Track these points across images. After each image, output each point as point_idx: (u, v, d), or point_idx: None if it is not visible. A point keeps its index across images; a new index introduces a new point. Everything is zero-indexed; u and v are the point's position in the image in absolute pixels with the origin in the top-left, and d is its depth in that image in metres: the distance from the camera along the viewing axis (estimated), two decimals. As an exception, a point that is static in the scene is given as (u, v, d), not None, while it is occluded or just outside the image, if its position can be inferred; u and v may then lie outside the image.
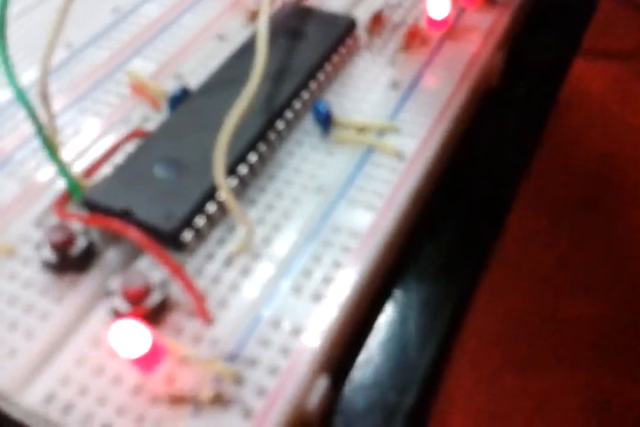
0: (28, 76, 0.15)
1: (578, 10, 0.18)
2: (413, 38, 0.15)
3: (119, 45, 0.16)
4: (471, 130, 0.15)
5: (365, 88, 0.15)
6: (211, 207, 0.12)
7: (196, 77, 0.15)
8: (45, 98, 0.12)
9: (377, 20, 0.16)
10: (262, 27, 0.13)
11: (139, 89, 0.15)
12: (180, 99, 0.14)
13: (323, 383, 0.10)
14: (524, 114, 0.15)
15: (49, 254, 0.11)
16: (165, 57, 0.16)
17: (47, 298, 0.11)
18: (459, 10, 0.16)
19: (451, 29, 0.16)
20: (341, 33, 0.15)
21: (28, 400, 0.10)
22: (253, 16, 0.17)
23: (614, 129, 0.18)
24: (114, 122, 0.14)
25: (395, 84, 0.15)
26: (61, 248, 0.11)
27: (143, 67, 0.15)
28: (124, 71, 0.15)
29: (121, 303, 0.10)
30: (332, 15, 0.16)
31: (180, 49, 0.16)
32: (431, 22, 0.15)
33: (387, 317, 0.12)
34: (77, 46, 0.16)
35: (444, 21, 0.15)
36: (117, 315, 0.10)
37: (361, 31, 0.16)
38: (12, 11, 0.16)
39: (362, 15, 0.16)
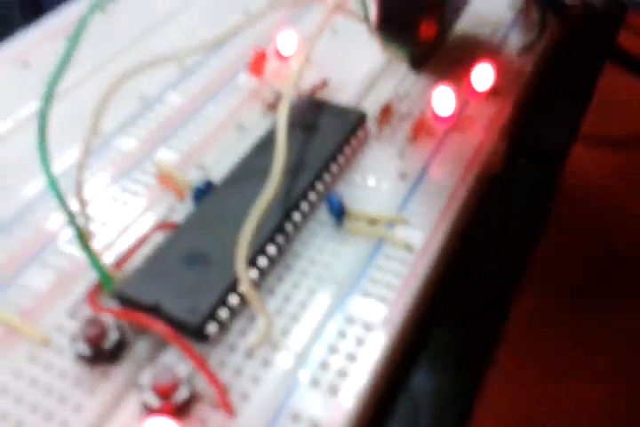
0: (60, 163, 0.16)
1: (578, 94, 0.19)
2: (420, 130, 0.17)
3: (146, 134, 0.17)
4: (476, 217, 0.16)
5: (376, 179, 0.16)
6: (233, 299, 0.13)
7: (218, 168, 0.16)
8: (80, 194, 0.13)
9: (385, 112, 0.17)
10: (281, 126, 0.14)
11: (165, 179, 0.16)
12: (205, 191, 0.15)
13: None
14: (529, 201, 0.16)
15: (83, 348, 0.12)
16: (188, 147, 0.17)
17: (80, 389, 0.12)
18: (462, 102, 0.17)
19: (455, 121, 0.17)
20: (353, 126, 0.16)
21: None
22: (271, 107, 0.18)
23: (617, 218, 0.19)
24: (141, 211, 0.15)
25: (403, 175, 0.16)
26: (95, 342, 0.12)
27: (168, 156, 0.17)
28: (151, 160, 0.16)
29: (151, 398, 0.11)
30: (345, 109, 0.17)
31: (202, 139, 0.17)
32: (437, 117, 0.16)
33: (400, 406, 0.12)
34: (106, 133, 0.17)
35: (449, 117, 0.16)
36: (148, 409, 0.11)
37: (370, 121, 0.17)
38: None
39: (371, 106, 0.17)
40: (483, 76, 0.17)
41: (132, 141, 0.17)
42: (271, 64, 0.19)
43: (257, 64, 0.18)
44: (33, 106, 0.18)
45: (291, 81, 0.15)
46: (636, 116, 0.21)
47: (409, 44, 0.17)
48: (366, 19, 0.18)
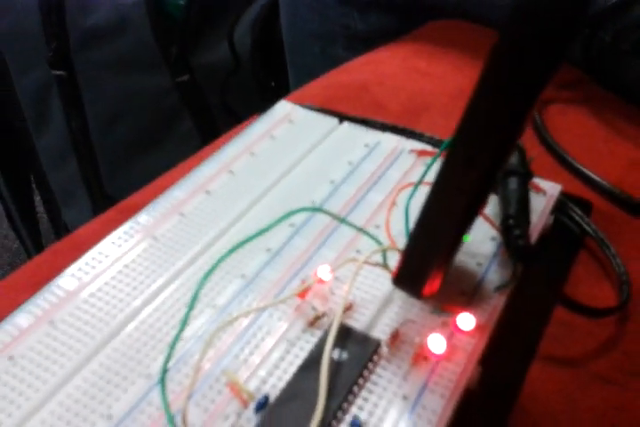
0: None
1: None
2: (418, 358, 0.23)
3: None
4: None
5: (386, 402, 0.22)
6: None
7: (272, 379, 0.22)
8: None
9: (394, 338, 0.23)
10: (326, 357, 0.20)
11: (234, 388, 0.22)
12: (263, 404, 0.21)
13: None
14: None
15: None
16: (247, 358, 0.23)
17: None
18: (451, 336, 0.23)
19: (446, 353, 0.23)
20: (371, 352, 0.23)
21: None
22: (310, 324, 0.24)
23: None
24: (214, 419, 0.21)
25: (405, 397, 0.22)
26: None
27: (234, 367, 0.23)
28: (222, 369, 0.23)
29: None
30: (365, 336, 0.23)
31: (260, 351, 0.23)
32: (430, 352, 0.23)
33: None
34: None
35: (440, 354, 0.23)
36: None
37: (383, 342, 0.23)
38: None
39: (384, 329, 0.24)
40: (465, 320, 0.23)
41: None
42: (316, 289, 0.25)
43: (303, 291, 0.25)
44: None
45: (336, 321, 0.21)
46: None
47: (415, 296, 0.24)
48: (386, 268, 0.24)
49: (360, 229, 0.27)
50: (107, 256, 0.26)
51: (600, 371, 0.24)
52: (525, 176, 0.28)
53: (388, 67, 0.43)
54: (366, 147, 0.33)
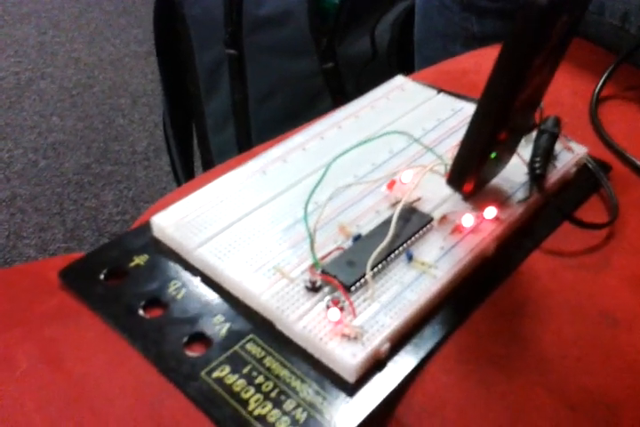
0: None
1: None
2: (454, 230, 0.37)
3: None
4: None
5: (425, 250, 0.36)
6: (363, 278, 0.34)
7: (366, 226, 0.37)
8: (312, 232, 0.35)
9: (443, 218, 0.38)
10: (396, 215, 0.35)
11: (342, 228, 0.37)
12: (357, 237, 0.36)
13: None
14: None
15: (306, 284, 0.33)
16: (351, 215, 0.38)
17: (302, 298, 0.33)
18: (479, 220, 0.38)
19: (472, 228, 0.37)
20: (426, 222, 0.37)
21: (294, 327, 0.32)
22: (392, 204, 0.39)
23: None
24: (329, 241, 0.37)
25: (442, 248, 0.36)
26: (312, 283, 0.33)
27: (348, 217, 0.38)
28: (337, 222, 0.38)
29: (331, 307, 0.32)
30: (424, 214, 0.38)
31: (360, 210, 0.39)
32: (463, 227, 0.37)
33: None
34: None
35: (469, 227, 0.37)
36: (328, 308, 0.32)
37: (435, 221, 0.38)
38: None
39: (438, 212, 0.38)
40: (490, 211, 0.37)
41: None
42: (398, 185, 0.40)
43: (390, 184, 0.40)
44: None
45: (404, 198, 0.36)
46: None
47: (458, 191, 0.38)
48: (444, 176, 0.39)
49: (429, 149, 0.42)
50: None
51: (579, 262, 0.37)
52: (554, 135, 0.41)
53: (488, 59, 0.57)
54: (452, 110, 0.47)
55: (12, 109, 1.62)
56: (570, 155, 0.43)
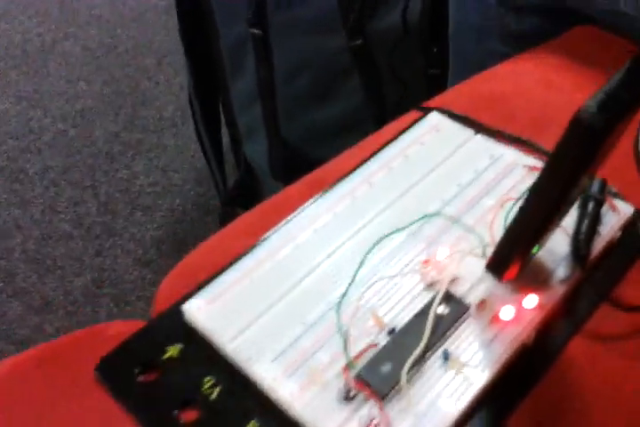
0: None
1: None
2: (493, 320, 0.36)
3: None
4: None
5: (464, 339, 0.35)
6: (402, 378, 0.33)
7: (401, 316, 0.36)
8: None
9: (481, 304, 0.36)
10: (433, 310, 0.34)
11: (376, 319, 0.36)
12: (392, 331, 0.35)
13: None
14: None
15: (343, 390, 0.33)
16: (381, 302, 0.37)
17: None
18: (520, 307, 0.36)
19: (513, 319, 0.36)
20: (463, 312, 0.36)
21: None
22: (429, 285, 0.38)
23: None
24: (363, 334, 0.36)
25: (481, 343, 0.35)
26: (346, 393, 0.33)
27: (378, 306, 0.37)
28: (371, 311, 0.37)
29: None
30: (461, 300, 0.36)
31: (393, 299, 0.37)
32: (501, 319, 0.36)
33: None
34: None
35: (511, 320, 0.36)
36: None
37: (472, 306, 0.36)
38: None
39: (474, 299, 0.37)
40: (531, 299, 0.36)
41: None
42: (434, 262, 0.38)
43: (426, 262, 0.38)
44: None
45: (444, 287, 0.35)
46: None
47: (499, 279, 0.36)
48: (484, 257, 0.37)
49: (470, 231, 0.40)
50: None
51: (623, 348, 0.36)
52: (599, 202, 0.38)
53: (526, 79, 0.53)
54: (490, 158, 0.44)
55: (38, 75, 1.60)
56: (616, 217, 0.40)
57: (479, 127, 0.47)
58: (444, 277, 0.37)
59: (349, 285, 0.38)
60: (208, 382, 0.35)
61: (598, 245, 0.39)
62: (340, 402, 0.33)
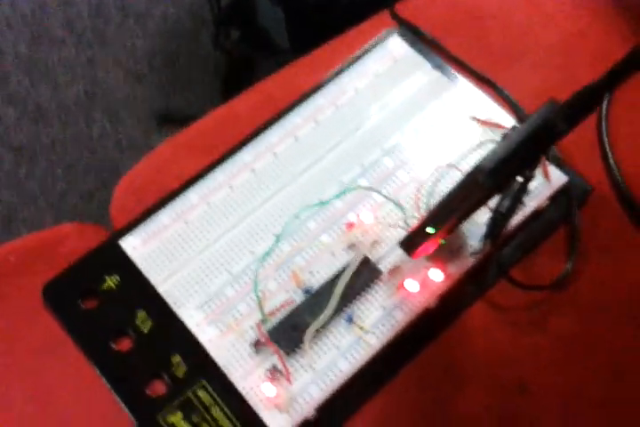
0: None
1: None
2: (400, 288, 0.39)
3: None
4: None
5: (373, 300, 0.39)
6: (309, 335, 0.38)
7: (319, 276, 0.39)
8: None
9: (392, 271, 0.39)
10: (346, 275, 0.37)
11: (295, 276, 0.39)
12: (308, 290, 0.39)
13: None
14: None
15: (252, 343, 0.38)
16: (305, 262, 0.40)
17: (247, 358, 0.38)
18: (425, 278, 0.39)
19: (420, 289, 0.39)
20: (375, 277, 0.39)
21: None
22: (349, 246, 0.40)
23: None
24: (281, 289, 0.39)
25: (384, 308, 0.39)
26: (256, 344, 0.37)
27: (300, 263, 0.40)
28: (292, 264, 0.40)
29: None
30: (375, 267, 0.39)
31: (312, 257, 0.40)
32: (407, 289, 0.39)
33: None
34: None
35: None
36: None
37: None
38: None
39: (388, 263, 0.39)
40: (436, 273, 0.38)
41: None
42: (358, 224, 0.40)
43: (349, 225, 0.40)
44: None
45: (363, 249, 0.37)
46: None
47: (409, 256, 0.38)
48: (404, 228, 0.39)
49: (396, 204, 0.41)
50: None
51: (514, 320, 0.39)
52: (526, 181, 0.38)
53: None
54: (442, 101, 0.43)
55: None
56: (547, 187, 0.41)
57: (440, 61, 0.45)
58: (364, 241, 0.39)
59: (276, 239, 0.40)
60: (142, 315, 0.40)
61: (518, 217, 0.40)
62: (251, 352, 0.38)
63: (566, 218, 0.41)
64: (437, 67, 0.44)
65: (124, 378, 0.38)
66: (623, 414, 0.37)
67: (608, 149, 0.42)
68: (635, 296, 0.40)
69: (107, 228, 0.45)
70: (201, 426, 0.37)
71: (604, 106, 0.44)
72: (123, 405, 0.38)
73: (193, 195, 0.42)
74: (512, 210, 0.38)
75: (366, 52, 0.45)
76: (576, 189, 0.41)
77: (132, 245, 0.41)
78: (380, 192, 0.41)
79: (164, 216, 0.41)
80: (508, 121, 0.42)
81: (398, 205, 0.41)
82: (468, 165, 0.41)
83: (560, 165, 0.41)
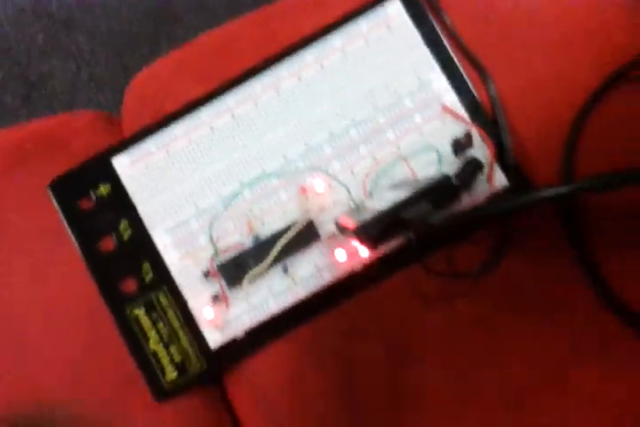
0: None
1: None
2: (332, 252, 0.44)
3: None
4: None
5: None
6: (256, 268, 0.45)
7: (269, 225, 0.45)
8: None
9: (332, 237, 0.44)
10: (292, 232, 0.43)
11: (250, 224, 0.45)
12: (257, 238, 0.45)
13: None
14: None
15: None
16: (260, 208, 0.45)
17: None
18: (355, 250, 0.44)
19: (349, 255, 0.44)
20: (313, 239, 0.44)
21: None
22: (301, 207, 0.45)
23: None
24: (235, 231, 0.45)
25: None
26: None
27: (256, 209, 0.45)
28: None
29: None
30: (316, 229, 0.44)
31: (268, 204, 0.45)
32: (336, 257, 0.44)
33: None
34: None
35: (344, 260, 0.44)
36: (207, 300, 0.46)
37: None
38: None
39: (328, 228, 0.44)
40: (363, 250, 0.43)
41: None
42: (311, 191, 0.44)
43: (303, 190, 0.44)
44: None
45: (310, 213, 0.43)
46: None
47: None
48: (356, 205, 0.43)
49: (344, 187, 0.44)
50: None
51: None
52: (457, 189, 0.40)
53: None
54: (419, 84, 0.43)
55: None
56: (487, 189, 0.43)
57: (435, 36, 0.43)
58: (312, 206, 0.44)
59: (240, 186, 0.45)
60: (124, 224, 0.48)
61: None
62: (202, 278, 0.46)
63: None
64: (430, 43, 0.43)
65: (104, 272, 0.48)
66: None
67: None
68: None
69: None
70: (158, 322, 0.47)
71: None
72: (100, 293, 0.48)
73: (177, 128, 0.46)
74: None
75: (364, 10, 0.43)
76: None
77: (121, 163, 0.47)
78: (331, 167, 0.44)
79: (150, 143, 0.46)
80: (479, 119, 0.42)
81: (347, 181, 0.44)
82: (421, 159, 0.43)
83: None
